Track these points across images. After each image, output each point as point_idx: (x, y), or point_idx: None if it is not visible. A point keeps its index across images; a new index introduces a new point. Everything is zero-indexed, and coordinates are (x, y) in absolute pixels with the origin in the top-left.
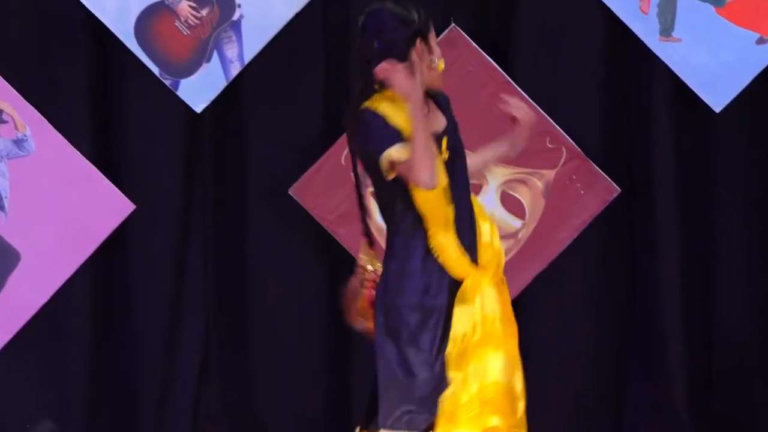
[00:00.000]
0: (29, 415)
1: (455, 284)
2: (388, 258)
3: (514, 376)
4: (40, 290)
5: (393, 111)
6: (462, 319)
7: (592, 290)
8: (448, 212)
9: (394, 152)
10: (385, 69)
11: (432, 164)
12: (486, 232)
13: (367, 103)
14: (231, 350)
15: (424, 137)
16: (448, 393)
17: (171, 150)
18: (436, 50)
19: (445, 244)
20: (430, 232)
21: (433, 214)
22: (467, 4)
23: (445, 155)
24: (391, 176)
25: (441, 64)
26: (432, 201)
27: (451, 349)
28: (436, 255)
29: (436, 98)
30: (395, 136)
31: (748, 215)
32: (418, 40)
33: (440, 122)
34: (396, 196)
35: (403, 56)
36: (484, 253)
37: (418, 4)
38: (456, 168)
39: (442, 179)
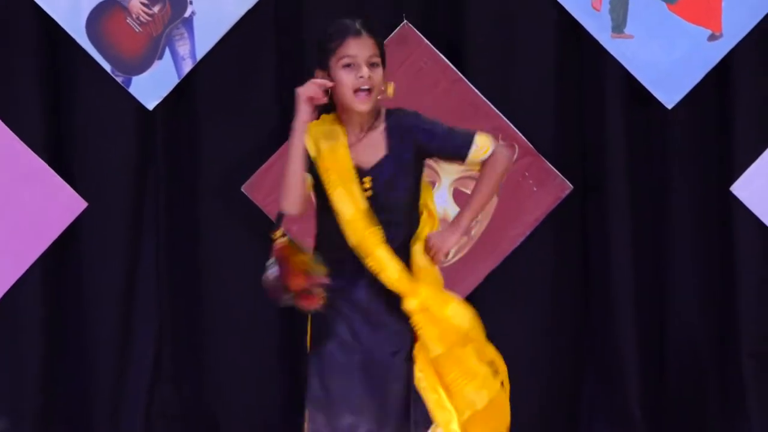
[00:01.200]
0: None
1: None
2: None
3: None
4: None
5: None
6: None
7: (545, 288)
8: (375, 232)
9: None
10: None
11: (290, 194)
12: (419, 254)
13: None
14: (184, 348)
15: (288, 167)
16: None
17: (123, 147)
18: (363, 70)
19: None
20: (363, 253)
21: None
22: (418, 1)
23: (369, 193)
24: None
25: (390, 89)
26: (351, 225)
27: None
28: (375, 273)
29: (390, 123)
30: None
31: (700, 212)
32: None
33: (369, 156)
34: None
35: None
36: (418, 274)
37: (352, 17)
38: (389, 197)
39: (358, 207)
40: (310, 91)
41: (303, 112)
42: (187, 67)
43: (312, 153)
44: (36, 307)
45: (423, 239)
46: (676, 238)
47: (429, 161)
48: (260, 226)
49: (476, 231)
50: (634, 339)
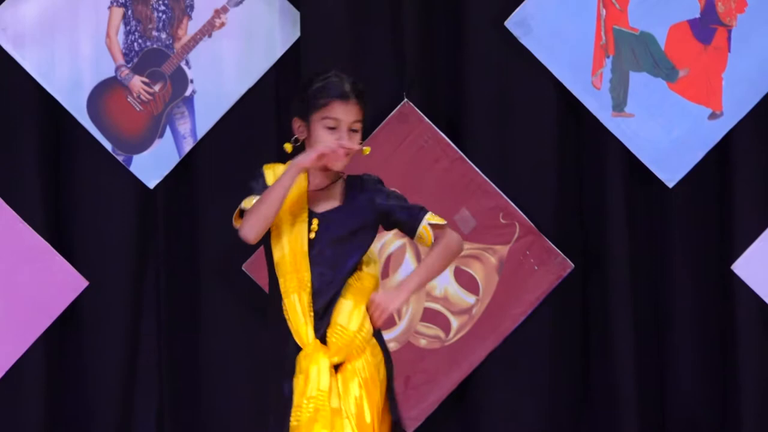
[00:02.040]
0: None
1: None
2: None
3: None
4: None
5: (281, 170)
6: (298, 390)
7: (545, 366)
8: (303, 277)
9: (245, 201)
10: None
11: (254, 221)
12: (345, 311)
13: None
14: (185, 422)
15: (269, 198)
16: None
17: (124, 225)
18: (343, 136)
19: (294, 306)
20: (282, 290)
21: (284, 276)
22: (420, 79)
23: (312, 234)
24: (236, 224)
25: (366, 150)
26: (282, 263)
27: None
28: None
29: (350, 180)
30: (256, 188)
31: (701, 290)
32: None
33: (323, 203)
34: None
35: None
36: (333, 333)
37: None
38: (324, 245)
39: (294, 247)
40: (330, 150)
41: (309, 159)
42: (188, 145)
43: (270, 182)
44: (37, 386)
45: (358, 295)
46: (676, 315)
47: None
48: (261, 304)
49: (477, 310)
50: (635, 416)
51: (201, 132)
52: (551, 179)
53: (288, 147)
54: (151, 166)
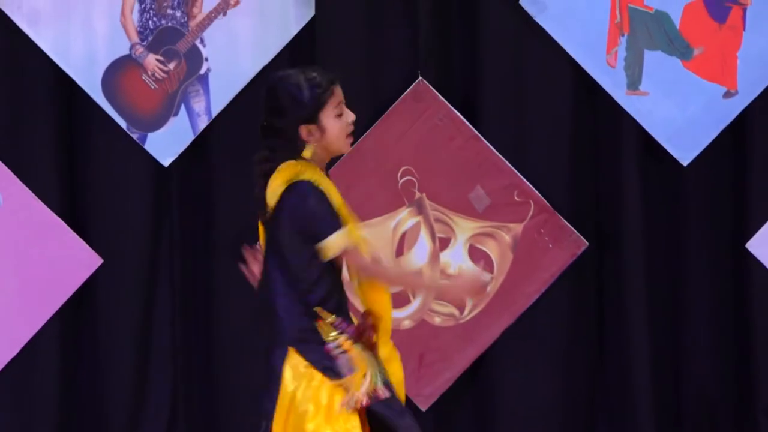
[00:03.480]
0: None
1: None
2: None
3: None
4: (8, 345)
5: (327, 185)
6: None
7: (560, 344)
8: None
9: (340, 237)
10: None
11: (393, 283)
12: None
13: (301, 172)
14: (199, 403)
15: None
16: None
17: (138, 203)
18: (349, 114)
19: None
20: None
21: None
22: (435, 58)
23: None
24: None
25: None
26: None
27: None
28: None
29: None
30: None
31: (715, 267)
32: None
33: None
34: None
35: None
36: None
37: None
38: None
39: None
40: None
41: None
42: (203, 123)
43: (326, 191)
44: (52, 363)
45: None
46: (691, 293)
47: (441, 216)
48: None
49: (491, 287)
50: (649, 396)
51: (216, 110)
52: (566, 157)
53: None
54: (166, 144)
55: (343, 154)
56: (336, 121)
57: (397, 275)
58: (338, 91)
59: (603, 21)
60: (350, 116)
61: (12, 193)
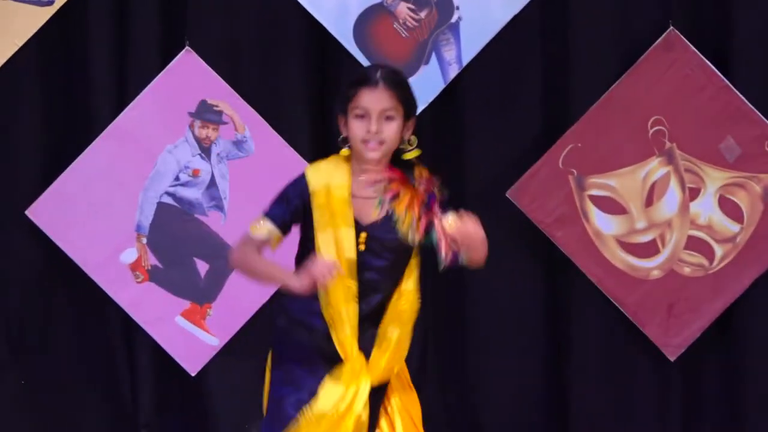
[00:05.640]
0: (249, 417)
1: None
2: None
3: None
4: (258, 293)
5: (337, 184)
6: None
7: None
8: (351, 286)
9: (256, 227)
10: None
11: (243, 271)
12: (393, 338)
13: (319, 162)
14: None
15: (262, 268)
16: None
17: None
18: (372, 125)
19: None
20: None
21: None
22: (686, 7)
23: (362, 246)
24: (252, 231)
25: (414, 141)
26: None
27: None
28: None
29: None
30: (276, 214)
31: None
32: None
33: (369, 211)
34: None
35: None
36: (376, 353)
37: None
38: (373, 258)
39: (342, 256)
40: (320, 275)
41: (299, 284)
42: (453, 72)
43: (312, 186)
44: None
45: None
46: None
47: (691, 166)
48: (525, 232)
49: (741, 238)
50: None
51: (466, 58)
52: None
53: (345, 152)
54: (417, 93)
55: (371, 161)
56: (355, 121)
57: (263, 271)
58: (364, 95)
59: None
60: (372, 126)
61: (265, 141)
